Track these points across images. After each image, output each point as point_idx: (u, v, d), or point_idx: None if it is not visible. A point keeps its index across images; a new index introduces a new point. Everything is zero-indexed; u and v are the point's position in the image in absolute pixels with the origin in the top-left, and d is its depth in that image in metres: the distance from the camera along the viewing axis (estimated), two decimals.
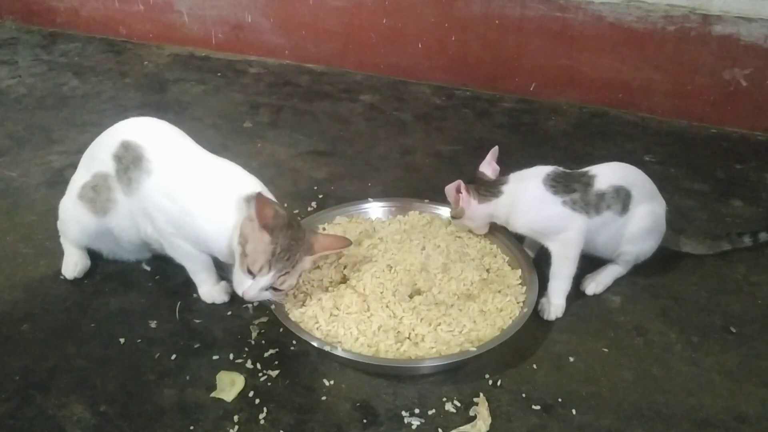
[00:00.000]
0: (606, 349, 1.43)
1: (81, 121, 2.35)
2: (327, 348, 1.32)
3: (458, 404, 1.29)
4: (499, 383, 1.34)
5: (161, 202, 1.42)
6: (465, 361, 1.35)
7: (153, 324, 1.46)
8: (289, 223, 1.34)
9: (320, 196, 1.93)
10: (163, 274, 1.60)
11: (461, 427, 1.24)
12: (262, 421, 1.25)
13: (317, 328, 1.39)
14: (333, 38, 2.77)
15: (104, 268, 1.62)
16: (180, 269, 1.52)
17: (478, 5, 2.51)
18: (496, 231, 1.64)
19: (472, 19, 2.54)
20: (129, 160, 1.44)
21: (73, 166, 1.59)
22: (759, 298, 1.59)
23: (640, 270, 1.62)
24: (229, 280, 1.46)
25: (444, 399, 1.30)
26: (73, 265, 1.57)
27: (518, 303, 1.46)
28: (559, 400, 1.31)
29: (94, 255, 1.61)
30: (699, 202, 1.95)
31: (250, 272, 1.33)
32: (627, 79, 2.44)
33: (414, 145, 2.25)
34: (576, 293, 1.55)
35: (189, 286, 1.53)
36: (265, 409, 1.27)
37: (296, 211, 1.82)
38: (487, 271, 1.56)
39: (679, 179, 2.06)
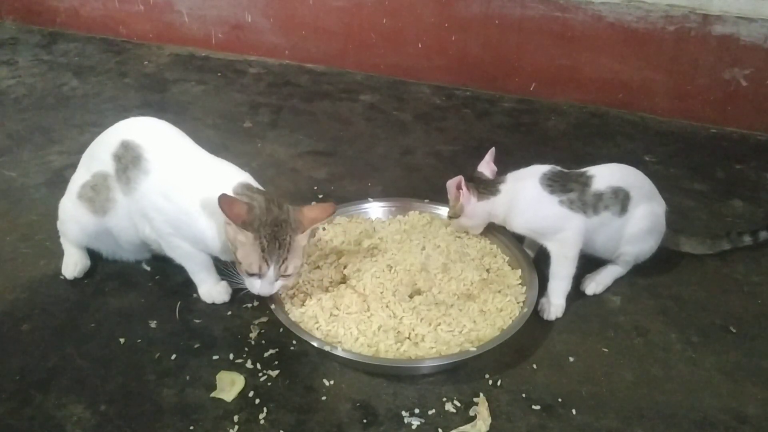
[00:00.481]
0: (606, 349, 1.43)
1: (81, 121, 2.35)
2: (327, 348, 1.32)
3: (458, 404, 1.29)
4: (499, 383, 1.34)
5: (158, 201, 1.41)
6: (465, 361, 1.35)
7: (153, 324, 1.46)
8: (267, 209, 1.32)
9: (320, 196, 1.93)
10: (163, 274, 1.60)
11: (461, 427, 1.24)
12: (262, 421, 1.25)
13: (317, 328, 1.39)
14: (333, 38, 2.77)
15: (104, 268, 1.62)
16: (180, 269, 1.52)
17: (478, 5, 2.51)
18: (496, 231, 1.64)
19: (472, 19, 2.54)
20: (128, 159, 1.44)
21: (73, 166, 1.59)
22: (759, 298, 1.59)
23: (640, 270, 1.62)
24: (229, 280, 1.46)
25: (444, 399, 1.30)
26: (73, 265, 1.57)
27: (518, 303, 1.46)
28: (559, 400, 1.31)
29: (94, 255, 1.61)
30: (699, 202, 1.95)
31: (252, 274, 1.33)
32: (627, 79, 2.44)
33: (414, 145, 2.25)
34: (576, 293, 1.55)
35: (189, 286, 1.53)
36: (265, 409, 1.27)
37: None
38: (487, 271, 1.56)
39: (679, 179, 2.06)
